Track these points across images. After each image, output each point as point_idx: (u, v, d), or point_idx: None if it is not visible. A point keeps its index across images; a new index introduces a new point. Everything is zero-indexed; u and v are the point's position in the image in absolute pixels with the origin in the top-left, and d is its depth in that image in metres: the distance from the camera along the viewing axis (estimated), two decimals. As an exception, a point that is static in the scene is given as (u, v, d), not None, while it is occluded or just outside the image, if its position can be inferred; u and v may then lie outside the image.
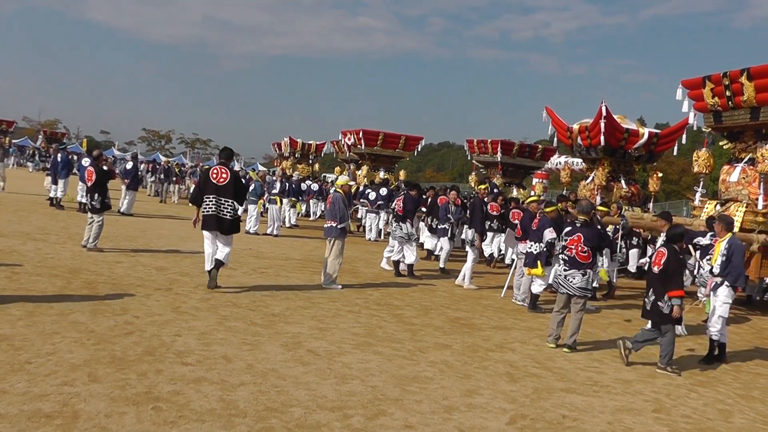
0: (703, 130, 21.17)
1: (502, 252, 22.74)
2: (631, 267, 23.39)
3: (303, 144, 49.63)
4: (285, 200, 29.35)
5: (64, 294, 11.68)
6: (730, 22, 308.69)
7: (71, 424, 6.30)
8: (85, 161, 24.24)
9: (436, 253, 22.52)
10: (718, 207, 19.55)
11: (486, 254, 22.77)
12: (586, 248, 11.63)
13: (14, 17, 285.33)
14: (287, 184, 30.28)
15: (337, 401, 7.69)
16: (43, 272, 13.45)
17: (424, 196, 22.61)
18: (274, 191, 27.46)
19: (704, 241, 15.32)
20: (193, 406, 7.04)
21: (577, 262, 11.64)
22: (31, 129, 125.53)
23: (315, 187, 37.45)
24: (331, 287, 15.21)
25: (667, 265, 10.84)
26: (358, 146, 39.79)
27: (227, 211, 13.84)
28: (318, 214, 38.03)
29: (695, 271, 14.75)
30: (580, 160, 32.62)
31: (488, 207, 20.45)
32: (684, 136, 24.73)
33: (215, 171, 14.07)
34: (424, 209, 22.61)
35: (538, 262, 14.71)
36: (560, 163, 42.68)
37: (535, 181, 44.33)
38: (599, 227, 15.44)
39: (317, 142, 50.07)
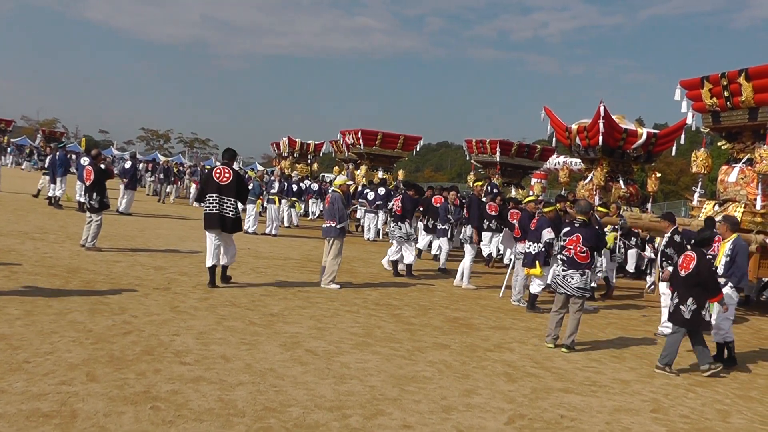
0: (702, 130, 21.18)
1: (501, 252, 22.73)
2: (630, 267, 23.40)
3: (302, 144, 49.65)
4: (284, 200, 29.35)
5: (62, 293, 11.68)
6: (728, 22, 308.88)
7: (69, 423, 6.30)
8: (84, 160, 24.24)
9: (433, 252, 22.54)
10: (716, 207, 19.56)
11: (485, 254, 22.77)
12: (584, 248, 11.63)
13: (13, 16, 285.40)
14: (286, 184, 30.28)
15: (335, 401, 7.69)
16: (41, 271, 13.46)
17: (424, 196, 22.59)
18: (272, 191, 27.46)
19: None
20: (192, 406, 7.04)
21: (576, 262, 11.64)
22: (29, 128, 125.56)
23: (315, 186, 37.46)
24: (329, 287, 15.21)
25: (698, 269, 10.82)
26: (357, 146, 39.78)
27: (229, 210, 14.07)
28: (317, 214, 38.05)
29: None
30: (578, 161, 32.68)
31: (487, 207, 20.43)
32: (682, 136, 24.73)
33: (218, 171, 14.35)
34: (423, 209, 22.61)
35: (537, 262, 14.71)
36: (559, 163, 42.74)
37: (533, 181, 44.38)
38: (597, 228, 15.46)
39: (316, 142, 50.08)
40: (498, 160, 34.73)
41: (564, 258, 11.84)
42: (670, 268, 13.81)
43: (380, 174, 37.68)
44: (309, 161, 50.48)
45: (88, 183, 17.57)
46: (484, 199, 21.16)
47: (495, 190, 26.88)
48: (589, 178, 26.26)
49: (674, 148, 26.13)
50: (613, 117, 24.49)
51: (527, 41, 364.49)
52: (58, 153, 28.75)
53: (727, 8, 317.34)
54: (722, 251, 12.35)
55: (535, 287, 15.16)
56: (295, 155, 49.63)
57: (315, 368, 8.92)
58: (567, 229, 12.09)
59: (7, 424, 6.15)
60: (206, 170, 15.71)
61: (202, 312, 11.51)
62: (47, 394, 6.92)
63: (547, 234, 14.58)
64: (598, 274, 16.88)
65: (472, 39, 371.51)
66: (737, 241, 12.31)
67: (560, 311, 11.80)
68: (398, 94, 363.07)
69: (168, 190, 40.86)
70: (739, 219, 17.45)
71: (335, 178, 18.67)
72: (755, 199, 18.19)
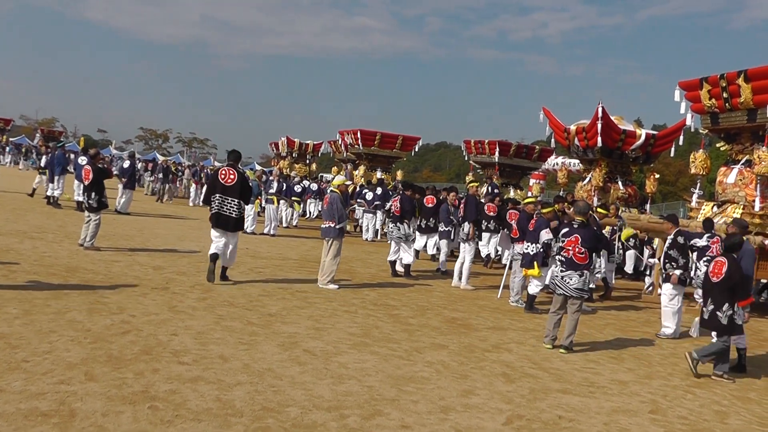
0: (701, 131, 21.20)
1: (499, 252, 22.73)
2: (628, 268, 23.42)
3: (300, 144, 49.66)
4: (282, 200, 29.35)
5: (61, 292, 11.68)
6: (727, 23, 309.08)
7: (68, 422, 6.30)
8: (81, 160, 24.24)
9: (429, 252, 22.53)
10: (714, 209, 19.58)
11: (483, 255, 22.77)
12: (583, 249, 11.63)
13: (12, 16, 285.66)
14: (284, 184, 30.28)
15: (333, 401, 7.70)
16: (40, 271, 13.46)
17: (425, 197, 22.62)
18: (271, 191, 27.45)
19: (701, 242, 15.32)
20: (190, 406, 7.04)
21: (574, 263, 11.64)
22: (28, 127, 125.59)
23: (314, 186, 37.47)
24: (327, 287, 15.21)
25: (730, 274, 10.82)
26: (356, 146, 39.77)
27: (232, 210, 14.63)
28: (315, 214, 38.05)
29: (692, 273, 14.73)
30: (577, 161, 32.66)
31: (485, 207, 20.42)
32: (681, 137, 24.77)
33: (224, 172, 15.01)
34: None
35: (535, 263, 14.72)
36: (557, 164, 42.69)
37: (532, 181, 44.30)
38: (596, 228, 15.47)
39: (314, 142, 50.10)
40: (496, 160, 34.71)
41: (562, 259, 11.84)
42: (678, 272, 13.84)
43: (378, 174, 37.67)
44: (307, 161, 50.49)
45: (86, 182, 17.56)
46: (483, 200, 21.17)
47: (495, 191, 26.85)
48: (587, 179, 26.27)
49: (673, 149, 26.14)
50: (612, 118, 24.49)
51: (527, 41, 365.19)
52: (56, 152, 28.75)
53: (726, 9, 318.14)
54: None
55: (534, 288, 15.16)
56: (293, 155, 49.65)
57: (313, 368, 8.93)
58: (565, 230, 12.09)
59: (6, 423, 6.15)
60: (211, 172, 16.39)
61: (200, 312, 11.51)
62: (46, 394, 6.93)
63: (546, 235, 14.59)
64: (597, 275, 16.89)
65: (472, 39, 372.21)
66: (744, 244, 12.28)
67: (558, 312, 11.80)
68: (397, 94, 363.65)
69: (163, 189, 40.73)
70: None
71: (334, 179, 18.64)
72: (754, 201, 18.22)
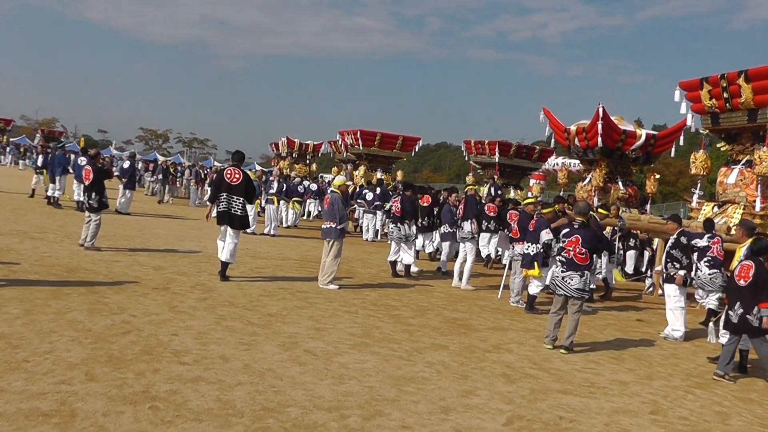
0: (701, 131, 21.20)
1: (499, 253, 22.71)
2: (629, 268, 23.41)
3: (300, 144, 49.67)
4: (282, 200, 29.33)
5: (61, 292, 11.68)
6: (727, 23, 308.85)
7: (68, 422, 6.30)
8: (81, 160, 24.26)
9: (427, 250, 22.53)
10: (715, 209, 19.58)
11: (483, 255, 22.75)
12: (583, 250, 11.63)
13: (13, 16, 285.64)
14: (284, 185, 30.28)
15: (334, 401, 7.69)
16: (40, 271, 13.45)
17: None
18: (271, 191, 27.45)
19: (701, 243, 15.32)
20: (191, 406, 7.04)
21: (575, 263, 11.63)
22: (29, 127, 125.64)
23: (314, 187, 37.46)
24: (328, 287, 15.21)
25: (757, 277, 10.81)
26: (356, 146, 39.77)
27: (237, 208, 15.22)
28: (314, 214, 38.06)
29: (693, 273, 14.72)
30: (577, 162, 32.63)
31: (485, 207, 20.41)
32: (681, 137, 24.75)
33: (229, 172, 15.52)
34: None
35: (535, 263, 14.72)
36: (557, 164, 42.68)
37: (532, 182, 44.30)
38: (599, 227, 15.49)
39: (315, 142, 50.10)
40: (497, 160, 34.71)
41: (563, 260, 11.83)
42: (682, 272, 13.82)
43: (378, 174, 37.67)
44: (308, 161, 50.50)
45: (87, 183, 17.56)
46: (483, 201, 21.16)
47: (499, 192, 26.81)
48: (587, 179, 26.24)
49: (673, 149, 26.12)
50: (612, 118, 24.47)
51: (526, 42, 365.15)
52: (56, 152, 28.77)
53: (726, 9, 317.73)
54: (737, 256, 12.30)
55: (534, 288, 15.16)
56: (293, 155, 49.66)
57: (313, 368, 8.93)
58: (566, 230, 12.08)
59: (7, 422, 6.15)
60: (217, 172, 17.27)
61: (200, 312, 11.51)
62: (46, 394, 6.92)
63: (546, 235, 14.59)
64: (597, 276, 16.89)
65: (472, 39, 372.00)
66: (752, 245, 12.25)
67: (559, 312, 11.80)
68: (397, 94, 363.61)
69: (163, 190, 40.63)
70: (737, 221, 17.48)
71: (334, 179, 18.64)
72: (754, 201, 18.21)
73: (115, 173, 27.74)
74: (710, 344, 13.31)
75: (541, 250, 14.63)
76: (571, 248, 11.71)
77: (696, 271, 14.89)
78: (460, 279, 17.75)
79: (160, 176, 40.29)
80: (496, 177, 33.27)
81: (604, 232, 18.46)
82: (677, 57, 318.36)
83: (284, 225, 30.67)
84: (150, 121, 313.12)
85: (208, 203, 15.98)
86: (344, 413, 7.35)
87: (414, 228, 18.88)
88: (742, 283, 10.96)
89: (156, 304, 11.73)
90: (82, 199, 23.23)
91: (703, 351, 13.10)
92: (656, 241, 20.47)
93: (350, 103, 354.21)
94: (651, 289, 19.34)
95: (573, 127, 25.94)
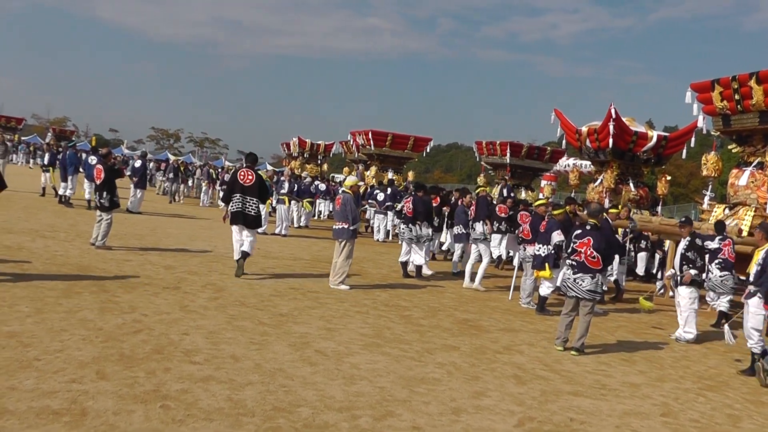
0: (712, 133, 21.20)
1: (511, 254, 22.69)
2: (640, 270, 23.37)
3: (312, 144, 49.69)
4: (293, 200, 29.33)
5: (72, 291, 11.70)
6: (739, 25, 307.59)
7: (79, 421, 6.31)
8: (92, 159, 24.31)
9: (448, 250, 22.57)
10: (726, 211, 19.54)
11: (494, 256, 22.73)
12: (595, 253, 11.60)
13: (24, 15, 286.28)
14: (295, 185, 30.28)
15: (344, 402, 7.69)
16: (51, 269, 13.48)
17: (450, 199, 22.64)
18: (282, 191, 27.46)
19: (712, 244, 15.29)
20: (201, 405, 7.04)
21: (586, 266, 11.60)
22: (40, 126, 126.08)
23: (322, 186, 37.44)
24: (339, 288, 15.21)
25: None
26: (367, 147, 39.79)
27: (251, 208, 15.63)
28: (325, 214, 38.07)
29: (704, 275, 14.67)
30: (588, 163, 32.68)
31: (497, 208, 20.36)
32: (693, 139, 24.76)
33: (242, 173, 15.90)
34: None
35: (546, 264, 14.69)
36: (569, 165, 42.68)
37: (543, 183, 44.27)
38: (611, 231, 15.46)
39: (326, 143, 50.12)
40: (508, 161, 34.73)
41: (573, 263, 11.80)
42: (692, 271, 13.78)
43: (390, 175, 37.67)
44: (319, 162, 50.52)
45: (98, 182, 17.59)
46: (494, 201, 21.15)
47: (511, 194, 26.79)
48: (599, 180, 26.24)
49: (684, 151, 26.12)
50: (624, 119, 24.45)
51: (536, 43, 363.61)
52: (67, 152, 28.83)
53: (738, 11, 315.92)
54: (755, 259, 12.24)
55: (545, 289, 15.14)
56: (305, 155, 49.70)
57: (324, 369, 8.92)
58: (578, 231, 12.04)
59: (18, 421, 6.16)
60: (230, 172, 17.98)
61: (211, 311, 11.52)
62: (57, 392, 6.93)
63: (557, 236, 14.55)
64: (609, 277, 16.86)
65: (482, 40, 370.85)
66: None
67: (570, 314, 11.77)
68: (408, 95, 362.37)
69: (174, 189, 40.64)
70: (748, 223, 17.46)
71: (345, 179, 18.68)
72: (766, 203, 18.18)
73: (127, 173, 27.77)
74: (730, 345, 13.23)
75: (552, 252, 14.60)
76: (582, 250, 11.69)
77: (707, 273, 14.86)
78: (471, 280, 17.73)
79: (171, 176, 40.29)
80: (507, 178, 33.25)
81: (616, 234, 18.38)
82: (689, 58, 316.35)
83: (295, 225, 30.67)
84: (161, 121, 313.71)
85: (220, 204, 16.29)
86: (355, 413, 7.35)
87: (426, 229, 18.86)
88: None
89: (167, 303, 11.75)
90: (93, 198, 23.27)
91: (714, 353, 13.08)
92: (668, 242, 20.42)
93: (361, 104, 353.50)
94: (662, 290, 19.29)
95: (584, 129, 25.94)
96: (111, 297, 11.64)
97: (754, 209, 18.42)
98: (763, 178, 18.48)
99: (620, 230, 19.11)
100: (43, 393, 6.87)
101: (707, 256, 14.80)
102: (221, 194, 35.46)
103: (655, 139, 24.90)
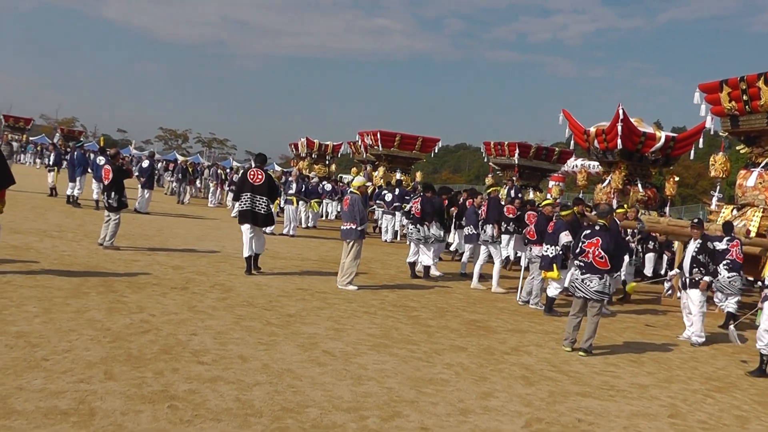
0: (720, 134, 21.16)
1: (519, 254, 22.68)
2: (648, 271, 23.35)
3: (320, 144, 49.73)
4: (301, 201, 29.34)
5: (80, 291, 11.71)
6: (748, 25, 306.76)
7: (87, 421, 6.32)
8: (100, 159, 24.35)
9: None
10: (734, 212, 19.51)
11: (502, 256, 22.72)
12: (603, 254, 11.59)
13: (33, 16, 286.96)
14: (303, 185, 30.29)
15: (353, 402, 7.69)
16: (59, 269, 13.48)
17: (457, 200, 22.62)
18: (290, 191, 27.48)
19: (720, 245, 15.27)
20: (209, 405, 7.05)
21: (594, 267, 11.60)
22: (48, 126, 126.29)
23: (329, 187, 37.44)
24: (347, 288, 15.21)
25: None
26: (375, 147, 39.80)
27: (261, 207, 16.12)
28: (333, 214, 38.08)
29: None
30: (596, 164, 32.63)
31: (504, 209, 20.36)
32: (701, 140, 24.73)
33: (252, 173, 16.49)
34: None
35: (554, 265, 14.68)
36: (577, 166, 42.64)
37: (551, 183, 44.25)
38: (619, 231, 15.45)
39: (334, 143, 50.14)
40: (516, 162, 34.75)
41: (581, 264, 11.80)
42: (707, 278, 13.76)
43: (398, 175, 37.69)
44: (327, 162, 50.55)
45: (106, 182, 17.62)
46: (502, 202, 21.14)
47: (519, 195, 26.79)
48: (607, 181, 26.23)
49: (692, 151, 26.10)
50: (632, 120, 24.43)
51: (546, 43, 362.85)
52: (76, 152, 28.88)
53: (746, 12, 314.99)
54: None
55: (553, 290, 15.12)
56: (313, 156, 49.73)
57: (332, 369, 8.93)
58: (587, 231, 12.03)
59: (26, 421, 6.17)
60: (241, 172, 18.57)
61: (219, 312, 11.52)
62: (65, 392, 6.94)
63: (565, 237, 14.54)
64: (617, 278, 16.84)
65: (491, 41, 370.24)
66: None
67: (578, 315, 11.77)
68: (416, 95, 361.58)
69: (182, 190, 40.60)
70: (756, 224, 17.44)
71: (353, 180, 18.70)
72: (774, 204, 18.15)
73: (135, 173, 27.82)
74: (739, 346, 13.18)
75: (560, 252, 14.59)
76: (590, 250, 11.68)
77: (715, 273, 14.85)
78: (479, 280, 17.76)
79: (180, 176, 40.29)
80: (515, 179, 33.25)
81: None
82: (697, 59, 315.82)
83: (303, 225, 30.67)
84: (169, 121, 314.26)
85: (228, 204, 16.53)
86: (363, 414, 7.35)
87: (438, 230, 18.87)
88: None
89: (175, 303, 11.76)
90: (101, 198, 23.32)
91: (722, 354, 13.06)
92: (676, 243, 20.40)
93: (369, 104, 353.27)
94: (670, 291, 19.27)
95: (593, 129, 25.92)
96: (119, 297, 11.66)
97: (762, 210, 18.39)
98: (771, 178, 18.46)
99: (628, 231, 19.08)
100: (51, 393, 6.88)
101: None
102: (229, 194, 35.64)
103: (663, 140, 24.88)
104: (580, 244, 12.01)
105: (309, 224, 31.50)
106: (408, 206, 21.65)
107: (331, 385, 8.21)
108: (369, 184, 22.61)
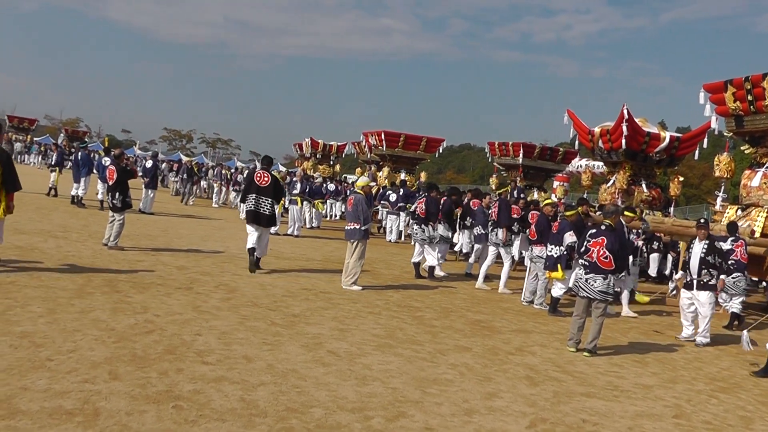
0: (725, 134, 21.12)
1: (523, 254, 22.68)
2: (652, 271, 23.32)
3: (324, 145, 49.70)
4: (305, 201, 29.35)
5: (84, 292, 11.72)
6: (752, 25, 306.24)
7: (92, 421, 6.32)
8: (105, 160, 24.37)
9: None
10: (739, 212, 19.48)
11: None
12: (607, 253, 11.59)
13: (36, 16, 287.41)
14: (308, 185, 30.30)
15: (357, 402, 7.70)
16: (64, 270, 13.50)
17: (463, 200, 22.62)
18: (294, 192, 27.50)
19: (725, 245, 15.26)
20: (214, 406, 7.05)
21: (598, 267, 11.60)
22: (52, 127, 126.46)
23: (332, 187, 37.44)
24: (351, 288, 15.21)
25: None
26: (380, 147, 39.78)
27: (265, 208, 16.64)
28: (338, 215, 38.09)
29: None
30: (601, 164, 32.58)
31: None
32: (705, 140, 24.66)
33: (259, 174, 16.98)
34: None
35: (559, 265, 14.67)
36: (581, 166, 42.67)
37: (555, 184, 44.27)
38: (625, 231, 15.45)
39: (338, 143, 50.12)
40: (521, 162, 34.71)
41: (586, 263, 11.80)
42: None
43: (402, 176, 37.68)
44: (331, 162, 50.54)
45: (110, 183, 17.63)
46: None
47: (522, 195, 26.79)
48: (611, 181, 26.15)
49: (697, 151, 26.02)
50: (636, 120, 24.39)
51: (549, 43, 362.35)
52: (80, 153, 28.90)
53: (750, 12, 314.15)
54: None
55: (557, 291, 15.12)
56: (317, 156, 49.72)
57: (337, 369, 8.93)
58: (592, 231, 12.04)
59: (31, 421, 6.17)
60: (247, 174, 19.09)
61: (224, 312, 11.53)
62: (70, 392, 6.95)
63: (569, 237, 14.54)
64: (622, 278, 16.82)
65: (494, 41, 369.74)
66: None
67: (582, 315, 11.76)
68: (420, 95, 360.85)
69: (187, 190, 40.56)
70: (761, 224, 17.41)
71: (357, 180, 18.72)
72: (779, 205, 18.12)
73: (139, 173, 27.85)
74: (747, 351, 13.17)
75: (565, 253, 14.59)
76: (594, 249, 11.68)
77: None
78: (484, 280, 17.78)
79: (184, 176, 40.27)
80: (518, 179, 33.23)
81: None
82: (701, 59, 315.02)
83: (307, 226, 30.68)
84: (173, 121, 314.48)
85: (232, 204, 16.76)
86: (368, 414, 7.35)
87: (446, 231, 18.91)
88: None
89: (179, 303, 11.76)
90: (106, 198, 23.34)
91: (726, 355, 13.06)
92: (681, 243, 20.37)
93: (373, 104, 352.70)
94: (675, 292, 19.25)
95: (597, 129, 25.85)
96: (123, 297, 11.66)
97: (766, 210, 18.35)
98: (776, 179, 18.43)
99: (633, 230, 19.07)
100: (56, 393, 6.88)
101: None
102: (233, 195, 35.72)
103: (667, 140, 24.80)
104: (584, 244, 12.02)
105: (313, 224, 31.51)
106: (413, 206, 21.66)
107: (335, 386, 8.21)
108: (373, 184, 22.56)
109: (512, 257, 18.35)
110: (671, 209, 26.80)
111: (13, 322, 9.32)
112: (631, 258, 17.38)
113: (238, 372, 8.29)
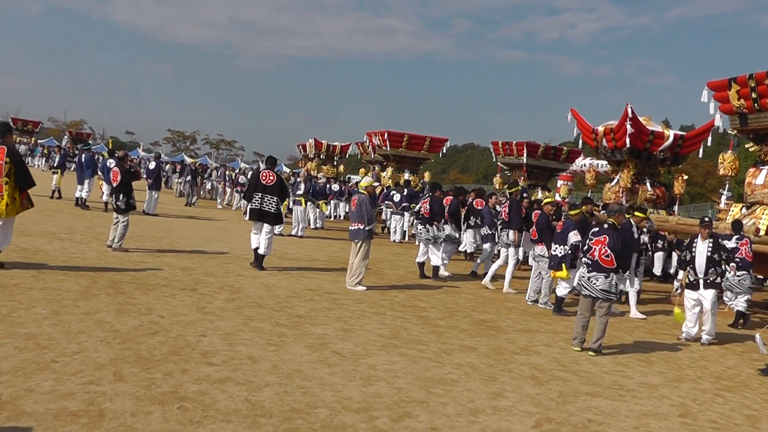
0: (729, 132, 21.08)
1: (527, 254, 22.66)
2: (657, 270, 23.30)
3: (328, 145, 49.72)
4: (309, 202, 29.35)
5: (89, 293, 11.72)
6: (756, 23, 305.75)
7: (97, 422, 6.32)
8: (110, 162, 24.37)
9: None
10: (743, 210, 19.46)
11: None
12: (609, 252, 11.58)
13: (41, 18, 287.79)
14: (312, 186, 30.31)
15: (362, 403, 7.69)
16: (68, 271, 13.50)
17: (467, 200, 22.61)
18: (298, 192, 27.51)
19: (730, 244, 15.24)
20: (219, 407, 7.05)
21: (600, 265, 11.60)
22: (56, 129, 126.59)
23: (335, 187, 37.45)
24: (355, 288, 15.21)
25: None
26: (383, 147, 39.78)
27: (270, 206, 16.94)
28: (342, 215, 38.10)
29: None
30: (605, 162, 32.52)
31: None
32: (709, 138, 24.62)
33: (264, 174, 17.35)
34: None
35: (563, 264, 14.65)
36: (585, 165, 42.60)
37: (559, 183, 44.23)
38: (633, 231, 15.42)
39: (342, 144, 50.12)
40: (524, 161, 34.70)
41: (588, 261, 11.79)
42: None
43: (406, 176, 37.67)
44: (335, 163, 50.55)
45: (114, 184, 17.64)
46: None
47: (524, 195, 26.78)
48: (615, 180, 26.12)
49: (701, 150, 25.97)
50: (640, 118, 24.36)
51: (553, 42, 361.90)
52: (83, 155, 28.92)
53: (755, 9, 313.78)
54: None
55: (562, 290, 15.10)
56: (321, 157, 49.74)
57: (342, 370, 8.92)
58: (596, 229, 12.04)
59: (35, 422, 6.17)
60: (251, 174, 19.35)
61: (228, 313, 11.53)
62: (75, 394, 6.94)
63: (574, 237, 14.52)
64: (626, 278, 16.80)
65: (498, 41, 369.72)
66: None
67: (586, 314, 11.75)
68: (423, 95, 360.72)
69: (191, 191, 40.52)
70: (765, 223, 17.39)
71: (361, 180, 18.69)
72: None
73: (143, 175, 27.86)
74: (763, 353, 13.12)
75: (569, 252, 14.57)
76: (596, 248, 11.68)
77: (724, 272, 14.80)
78: (491, 279, 17.79)
79: (189, 178, 40.26)
80: (522, 179, 33.21)
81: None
82: (705, 57, 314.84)
83: (311, 226, 30.69)
84: (177, 123, 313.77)
85: (236, 204, 16.89)
86: (373, 414, 7.34)
87: (453, 232, 18.91)
88: None
89: (184, 304, 11.76)
90: (110, 200, 23.36)
91: (731, 353, 13.04)
92: (686, 242, 20.35)
93: (377, 104, 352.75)
94: (679, 291, 19.23)
95: (601, 128, 25.82)
96: (128, 299, 11.67)
97: (771, 208, 18.35)
98: (780, 177, 18.42)
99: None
100: (61, 395, 6.88)
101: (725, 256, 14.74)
102: (236, 195, 35.75)
103: (671, 139, 24.76)
104: (587, 242, 12.02)
105: (317, 225, 31.51)
106: (417, 206, 21.65)
107: (340, 386, 8.21)
108: (377, 184, 22.56)
109: (517, 257, 18.30)
110: (675, 208, 26.74)
111: (17, 324, 9.32)
112: (635, 257, 17.37)
113: (243, 373, 8.29)
